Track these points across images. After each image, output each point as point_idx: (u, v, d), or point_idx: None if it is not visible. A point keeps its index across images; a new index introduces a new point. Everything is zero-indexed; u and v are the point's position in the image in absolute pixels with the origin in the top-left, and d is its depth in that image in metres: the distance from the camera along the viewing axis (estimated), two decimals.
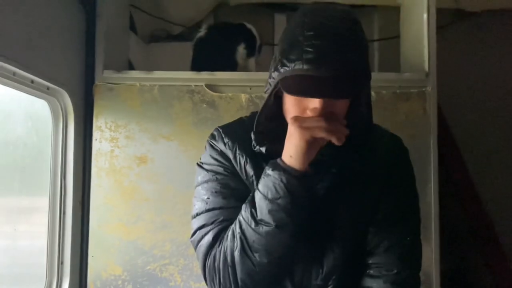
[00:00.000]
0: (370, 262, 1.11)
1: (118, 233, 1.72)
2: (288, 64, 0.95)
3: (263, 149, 1.09)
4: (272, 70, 1.03)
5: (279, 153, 1.03)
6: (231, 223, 1.04)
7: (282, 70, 0.97)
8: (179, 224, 1.70)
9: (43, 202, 1.66)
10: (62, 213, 1.67)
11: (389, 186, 1.13)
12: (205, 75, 1.75)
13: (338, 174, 1.10)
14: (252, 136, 1.11)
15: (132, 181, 1.73)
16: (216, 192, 1.10)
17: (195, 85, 1.75)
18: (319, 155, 1.07)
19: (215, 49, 1.91)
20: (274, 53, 1.06)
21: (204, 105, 1.74)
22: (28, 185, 1.72)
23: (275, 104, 1.09)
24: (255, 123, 1.10)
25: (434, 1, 1.77)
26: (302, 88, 0.95)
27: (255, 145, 1.10)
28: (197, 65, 1.87)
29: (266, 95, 1.07)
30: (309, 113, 0.98)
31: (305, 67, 0.93)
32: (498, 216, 2.55)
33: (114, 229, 1.72)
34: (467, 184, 2.55)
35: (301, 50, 0.94)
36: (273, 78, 1.01)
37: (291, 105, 1.02)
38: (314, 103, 0.97)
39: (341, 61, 0.93)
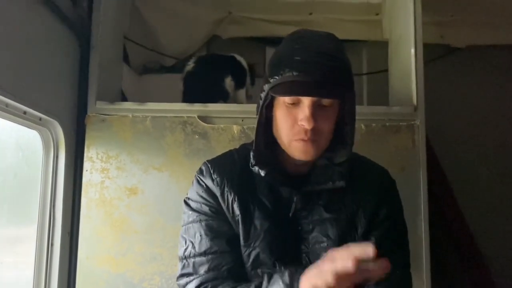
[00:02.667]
0: None
1: (107, 265, 1.69)
2: (278, 74, 1.01)
3: (262, 172, 1.10)
4: (263, 84, 1.07)
5: (275, 178, 1.09)
6: (213, 273, 1.07)
7: (272, 80, 1.02)
8: (169, 257, 1.68)
9: (31, 233, 1.63)
10: (50, 244, 1.64)
11: (378, 218, 1.14)
12: (197, 106, 1.77)
13: (326, 207, 1.11)
14: (252, 155, 1.12)
15: (122, 213, 1.72)
16: (200, 235, 1.11)
17: (188, 117, 1.76)
18: (308, 185, 1.09)
19: (204, 82, 1.94)
20: (264, 75, 1.10)
21: (196, 136, 1.75)
22: (16, 215, 1.70)
23: (266, 128, 1.11)
24: (254, 144, 1.11)
25: (421, 36, 1.82)
26: (293, 90, 1.00)
27: (253, 164, 1.11)
28: (187, 98, 1.89)
29: (257, 116, 1.10)
30: (299, 123, 1.01)
31: (295, 73, 0.98)
32: (489, 248, 2.55)
33: (102, 261, 1.69)
34: (457, 216, 2.55)
35: (290, 60, 1.00)
36: (264, 90, 1.05)
37: (282, 117, 1.05)
38: (304, 111, 1.00)
39: (328, 68, 0.99)
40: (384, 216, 1.14)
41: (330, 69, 0.99)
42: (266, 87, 1.04)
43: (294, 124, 1.03)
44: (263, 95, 1.06)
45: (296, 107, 1.03)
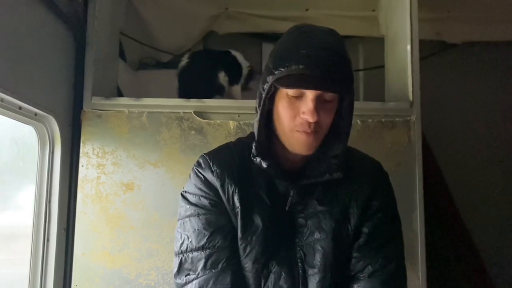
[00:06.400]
0: (355, 287, 1.12)
1: (103, 261, 1.69)
2: (283, 66, 1.01)
3: (264, 164, 1.10)
4: (266, 76, 1.06)
5: (274, 170, 1.10)
6: (212, 271, 1.07)
7: (277, 72, 1.02)
8: (165, 252, 1.68)
9: (27, 229, 1.62)
10: (46, 240, 1.63)
11: (371, 210, 1.15)
12: (194, 102, 1.76)
13: (319, 200, 1.12)
14: (254, 146, 1.11)
15: (118, 208, 1.71)
16: (198, 229, 1.11)
17: (184, 112, 1.76)
18: (305, 178, 1.10)
19: (198, 77, 1.92)
20: (265, 65, 1.10)
21: (193, 132, 1.75)
22: (12, 211, 1.69)
23: (267, 121, 1.11)
24: (256, 135, 1.11)
25: (417, 32, 1.82)
26: (298, 83, 1.01)
27: (255, 154, 1.11)
28: (182, 94, 1.88)
29: (259, 108, 1.09)
30: (302, 116, 1.02)
31: (301, 66, 0.98)
32: (484, 243, 2.57)
33: (98, 257, 1.69)
34: (452, 211, 2.57)
35: (296, 54, 1.00)
36: (267, 82, 1.05)
37: (284, 108, 1.05)
38: (307, 104, 1.01)
39: (332, 63, 0.99)
40: (377, 208, 1.15)
41: (335, 64, 1.00)
42: (270, 78, 1.04)
43: (296, 116, 1.04)
44: (266, 86, 1.06)
45: (299, 100, 1.03)
